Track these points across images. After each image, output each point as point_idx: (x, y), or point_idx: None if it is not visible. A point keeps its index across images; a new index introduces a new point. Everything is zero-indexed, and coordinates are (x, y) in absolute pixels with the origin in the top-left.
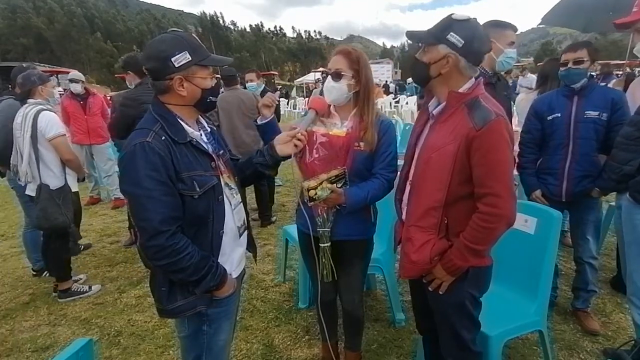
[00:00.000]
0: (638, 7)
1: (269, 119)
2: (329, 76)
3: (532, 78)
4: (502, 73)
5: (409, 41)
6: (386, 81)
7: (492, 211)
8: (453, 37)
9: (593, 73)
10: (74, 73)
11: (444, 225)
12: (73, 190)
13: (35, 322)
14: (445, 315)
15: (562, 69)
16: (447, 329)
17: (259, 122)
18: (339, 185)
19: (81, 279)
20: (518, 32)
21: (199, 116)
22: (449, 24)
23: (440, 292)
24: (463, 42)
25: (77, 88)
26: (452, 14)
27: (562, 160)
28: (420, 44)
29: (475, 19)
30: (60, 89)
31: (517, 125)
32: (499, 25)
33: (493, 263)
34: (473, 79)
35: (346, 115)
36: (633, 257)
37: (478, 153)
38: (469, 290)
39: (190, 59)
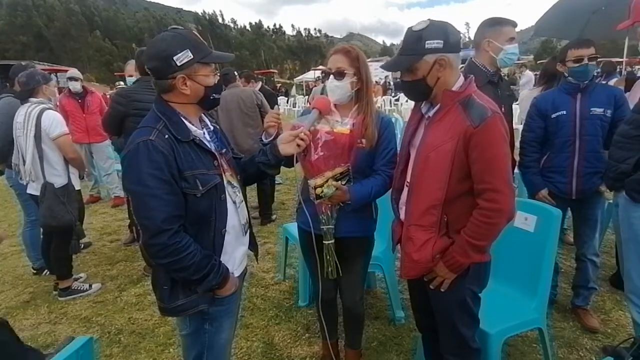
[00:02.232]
0: (632, 13)
1: (273, 137)
2: (331, 76)
3: (530, 76)
4: (504, 72)
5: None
6: (386, 77)
7: (492, 206)
8: (431, 43)
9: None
10: (73, 71)
11: (444, 223)
12: (76, 188)
13: (35, 320)
14: (447, 312)
15: (576, 65)
16: (448, 327)
17: (264, 139)
18: (344, 183)
19: (81, 277)
20: (517, 30)
21: (202, 114)
22: (418, 35)
23: (442, 290)
24: (442, 41)
25: (76, 86)
26: (409, 28)
27: (570, 158)
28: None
29: (429, 18)
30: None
31: (517, 123)
32: (495, 24)
33: (492, 259)
34: (462, 77)
35: (346, 112)
36: (630, 255)
37: (476, 150)
38: (469, 287)
39: (193, 57)
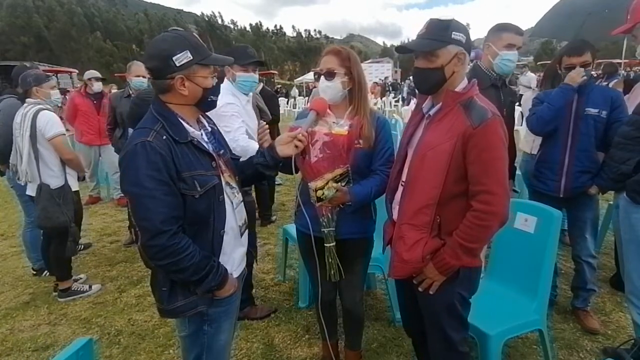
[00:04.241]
0: (631, 15)
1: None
2: (322, 76)
3: (531, 76)
4: (507, 77)
5: (409, 41)
6: (385, 78)
7: (486, 209)
8: (457, 35)
9: (594, 72)
10: (93, 72)
11: (436, 224)
12: (73, 189)
13: (35, 321)
14: (435, 315)
15: (568, 72)
16: (436, 330)
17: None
18: (343, 184)
19: (81, 278)
20: None
21: (200, 115)
22: (446, 24)
23: (431, 293)
24: (465, 37)
25: (99, 87)
26: (433, 18)
27: (561, 155)
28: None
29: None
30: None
31: (518, 124)
32: (498, 29)
33: (490, 261)
34: (466, 80)
35: (341, 113)
36: (631, 256)
37: (474, 151)
38: (459, 291)
39: (192, 58)
